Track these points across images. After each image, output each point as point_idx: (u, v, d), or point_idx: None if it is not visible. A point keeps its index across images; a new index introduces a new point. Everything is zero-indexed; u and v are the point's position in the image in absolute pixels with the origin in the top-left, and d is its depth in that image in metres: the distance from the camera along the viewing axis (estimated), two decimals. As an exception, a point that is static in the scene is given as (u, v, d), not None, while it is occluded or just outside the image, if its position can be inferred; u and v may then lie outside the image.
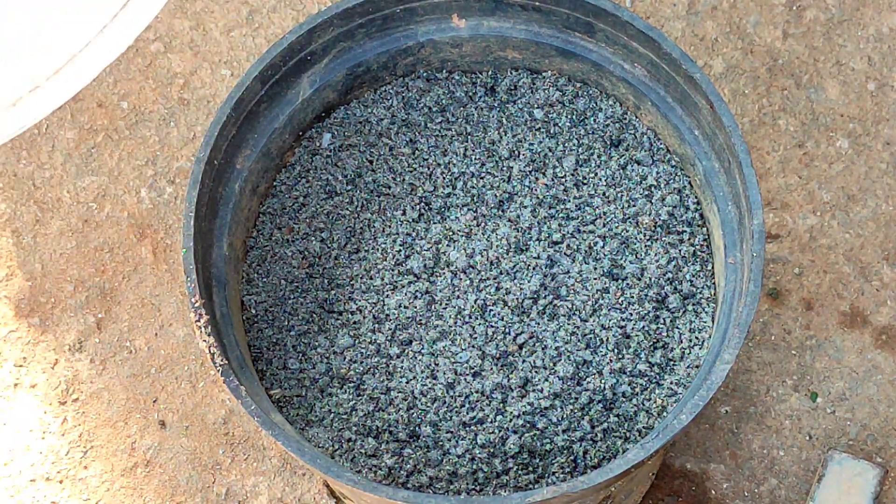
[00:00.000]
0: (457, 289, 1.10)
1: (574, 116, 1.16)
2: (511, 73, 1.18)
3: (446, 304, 1.09)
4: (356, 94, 1.18)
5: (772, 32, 1.50)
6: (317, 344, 1.09)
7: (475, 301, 1.09)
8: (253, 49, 1.54)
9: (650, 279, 1.09)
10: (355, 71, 1.16)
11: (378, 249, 1.12)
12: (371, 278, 1.11)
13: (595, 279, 1.09)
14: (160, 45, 1.55)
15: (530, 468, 1.04)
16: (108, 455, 1.36)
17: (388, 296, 1.10)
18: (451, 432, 1.05)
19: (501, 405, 1.05)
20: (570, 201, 1.13)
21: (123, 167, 1.49)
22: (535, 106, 1.17)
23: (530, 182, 1.14)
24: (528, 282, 1.09)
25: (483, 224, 1.12)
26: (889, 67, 1.47)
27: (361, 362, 1.08)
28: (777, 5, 1.51)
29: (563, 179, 1.14)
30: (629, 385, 1.05)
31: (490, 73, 1.19)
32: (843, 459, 1.26)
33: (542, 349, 1.07)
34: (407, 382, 1.07)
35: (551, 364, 1.06)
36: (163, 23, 1.56)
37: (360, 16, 1.12)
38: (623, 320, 1.08)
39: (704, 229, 1.11)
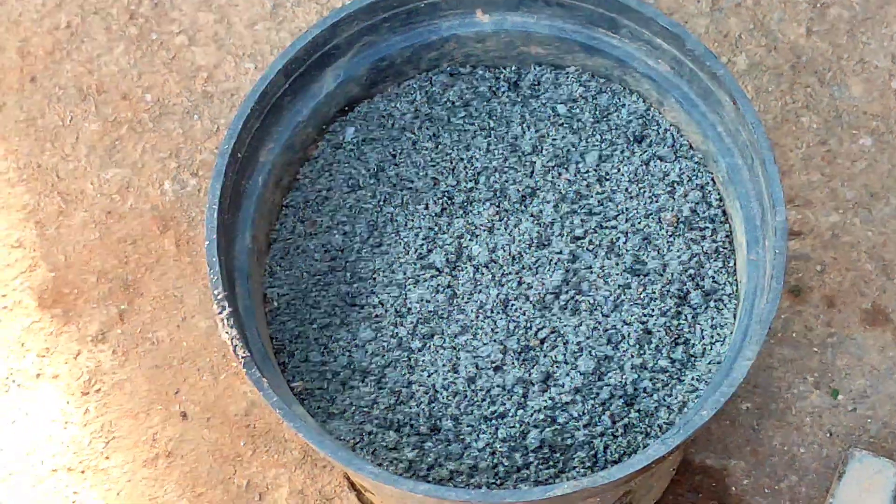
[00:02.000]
0: (479, 283, 1.10)
1: (597, 112, 1.16)
2: (534, 68, 1.19)
3: (468, 299, 1.09)
4: (380, 89, 1.19)
5: (795, 30, 1.49)
6: (339, 337, 1.09)
7: (497, 296, 1.09)
8: (277, 43, 1.54)
9: (672, 275, 1.09)
10: (379, 65, 1.16)
11: (400, 243, 1.13)
12: (393, 272, 1.11)
13: (617, 275, 1.09)
14: (184, 38, 1.55)
15: (551, 462, 1.04)
16: (129, 446, 1.36)
17: (409, 289, 1.10)
18: (472, 426, 1.05)
19: (522, 399, 1.06)
20: (592, 197, 1.13)
21: (147, 159, 1.49)
22: (559, 101, 1.17)
23: (553, 177, 1.14)
24: (550, 277, 1.09)
25: (505, 219, 1.12)
26: (913, 65, 1.46)
27: (383, 355, 1.08)
28: (801, 2, 1.51)
29: (586, 175, 1.14)
30: (650, 381, 1.05)
31: (513, 68, 1.19)
32: (864, 457, 1.26)
33: (564, 344, 1.07)
34: (428, 376, 1.07)
35: (573, 359, 1.06)
36: (187, 16, 1.56)
37: (384, 10, 1.12)
38: (644, 316, 1.08)
39: (727, 226, 1.11)
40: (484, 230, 1.12)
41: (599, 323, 1.08)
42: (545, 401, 1.05)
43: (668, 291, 1.08)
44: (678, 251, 1.10)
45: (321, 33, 1.10)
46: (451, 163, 1.15)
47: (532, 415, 1.05)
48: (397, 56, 1.16)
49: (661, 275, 1.09)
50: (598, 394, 1.05)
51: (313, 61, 1.11)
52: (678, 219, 1.11)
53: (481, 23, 1.15)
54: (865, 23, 1.49)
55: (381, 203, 1.14)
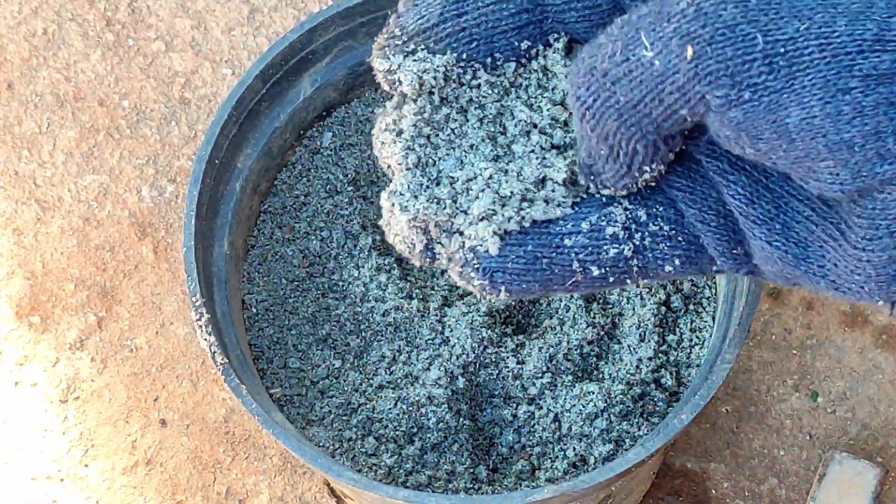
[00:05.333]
0: (458, 290, 1.10)
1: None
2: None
3: (448, 305, 1.09)
4: (357, 94, 1.19)
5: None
6: (317, 343, 1.09)
7: (476, 304, 1.09)
8: (254, 48, 1.54)
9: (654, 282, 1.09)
10: (356, 70, 1.16)
11: (377, 249, 1.12)
12: (370, 279, 1.11)
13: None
14: (161, 45, 1.55)
15: (530, 467, 1.04)
16: (108, 453, 1.36)
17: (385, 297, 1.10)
18: (451, 431, 1.05)
19: (502, 403, 1.05)
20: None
21: (124, 166, 1.49)
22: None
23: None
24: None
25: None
26: None
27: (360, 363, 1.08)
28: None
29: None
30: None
31: (491, 72, 1.19)
32: (844, 459, 1.26)
33: (539, 350, 1.07)
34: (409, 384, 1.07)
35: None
36: (164, 22, 1.56)
37: (361, 15, 1.12)
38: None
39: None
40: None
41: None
42: (524, 406, 1.05)
43: (652, 296, 1.08)
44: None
45: (298, 38, 1.10)
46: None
47: (511, 419, 1.05)
48: (375, 61, 1.16)
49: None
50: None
51: (291, 67, 1.11)
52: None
53: (458, 27, 1.15)
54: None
55: (359, 209, 1.14)
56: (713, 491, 1.31)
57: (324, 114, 1.18)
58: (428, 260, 0.60)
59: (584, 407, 1.04)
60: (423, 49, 0.58)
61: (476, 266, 0.58)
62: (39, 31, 1.57)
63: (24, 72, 1.55)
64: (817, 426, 1.33)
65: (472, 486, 1.03)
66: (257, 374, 1.06)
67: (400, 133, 0.60)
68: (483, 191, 0.58)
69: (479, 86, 0.59)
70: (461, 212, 0.58)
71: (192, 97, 1.52)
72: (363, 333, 1.09)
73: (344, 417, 1.06)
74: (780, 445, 1.32)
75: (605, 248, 0.57)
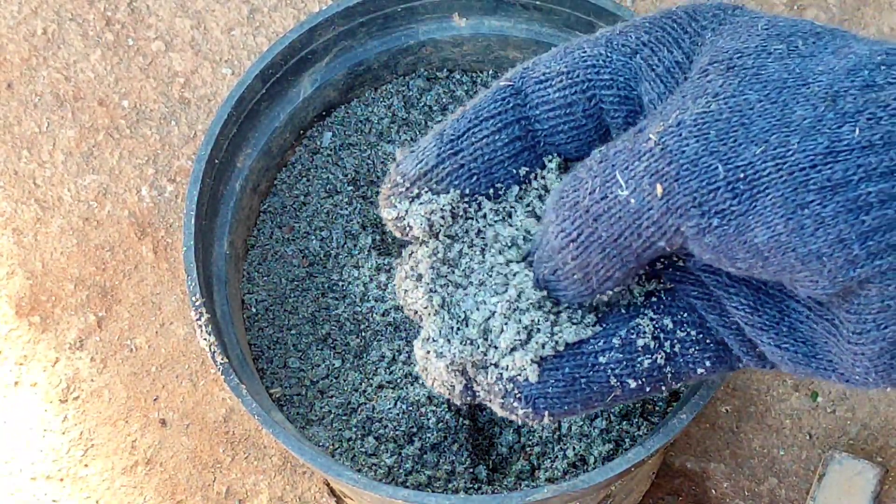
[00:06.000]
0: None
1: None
2: (512, 72, 1.18)
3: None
4: (357, 93, 1.19)
5: (773, 32, 1.50)
6: (317, 343, 1.09)
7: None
8: (254, 48, 1.54)
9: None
10: (356, 70, 1.16)
11: (376, 249, 1.12)
12: (370, 279, 1.11)
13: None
14: (161, 44, 1.55)
15: (530, 467, 1.04)
16: (108, 453, 1.36)
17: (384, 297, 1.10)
18: (451, 431, 1.05)
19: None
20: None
21: (124, 166, 1.49)
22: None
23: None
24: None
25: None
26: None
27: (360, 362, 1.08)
28: (778, 4, 1.51)
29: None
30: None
31: (490, 72, 1.19)
32: (844, 459, 1.26)
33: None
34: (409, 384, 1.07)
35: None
36: (164, 22, 1.56)
37: (360, 15, 1.12)
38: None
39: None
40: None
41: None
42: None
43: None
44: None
45: (298, 38, 1.10)
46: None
47: (511, 420, 1.05)
48: (374, 61, 1.16)
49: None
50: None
51: (290, 66, 1.11)
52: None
53: (458, 27, 1.15)
54: (842, 24, 1.50)
55: (359, 209, 1.14)
56: (713, 491, 1.31)
57: (323, 114, 1.18)
58: (469, 398, 0.62)
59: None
60: (426, 192, 0.60)
61: (518, 395, 0.60)
62: (39, 30, 1.57)
63: (23, 71, 1.55)
64: (817, 426, 1.33)
65: (471, 485, 1.03)
66: (257, 374, 1.06)
67: (419, 278, 0.62)
68: (506, 323, 0.59)
69: (485, 215, 0.60)
70: (493, 346, 0.60)
71: (191, 97, 1.52)
72: (363, 333, 1.09)
73: (344, 417, 1.06)
74: (780, 445, 1.32)
75: (640, 359, 0.59)
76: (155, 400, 1.38)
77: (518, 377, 0.59)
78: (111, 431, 1.37)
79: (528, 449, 1.04)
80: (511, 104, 0.58)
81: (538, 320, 0.59)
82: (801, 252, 0.47)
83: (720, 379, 0.93)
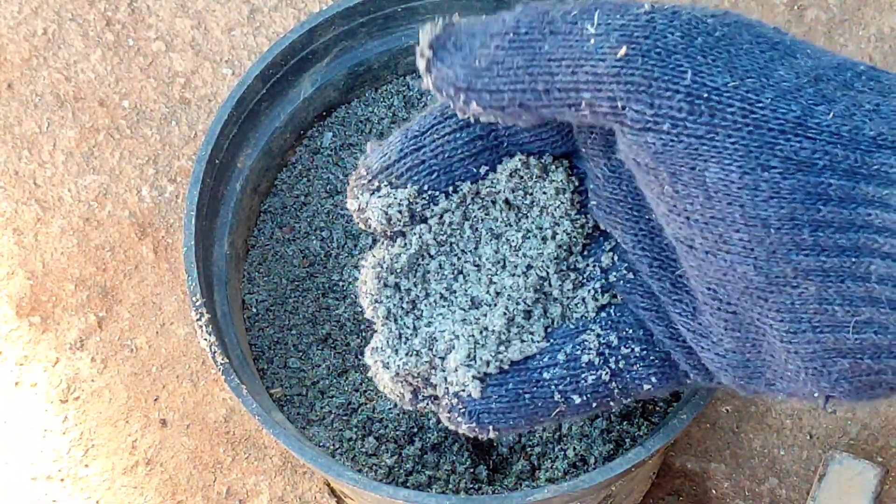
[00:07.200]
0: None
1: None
2: (512, 72, 1.18)
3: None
4: (357, 93, 1.19)
5: (773, 32, 1.50)
6: (317, 343, 1.09)
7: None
8: (254, 48, 1.54)
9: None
10: (356, 70, 1.16)
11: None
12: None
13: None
14: (161, 45, 1.55)
15: (530, 467, 1.04)
16: (108, 453, 1.36)
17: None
18: (451, 431, 1.05)
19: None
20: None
21: (125, 166, 1.49)
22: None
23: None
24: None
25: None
26: (890, 66, 1.47)
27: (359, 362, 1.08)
28: (778, 5, 1.51)
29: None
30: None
31: (491, 72, 1.19)
32: (844, 459, 1.26)
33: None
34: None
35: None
36: (164, 22, 1.56)
37: (361, 15, 1.12)
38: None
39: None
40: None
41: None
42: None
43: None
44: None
45: (299, 38, 1.10)
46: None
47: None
48: (375, 61, 1.16)
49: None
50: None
51: (291, 66, 1.11)
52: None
53: (459, 27, 1.15)
54: (843, 24, 1.50)
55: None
56: (713, 491, 1.31)
57: (324, 114, 1.18)
58: (420, 405, 0.62)
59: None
60: (386, 185, 0.60)
61: (461, 410, 0.60)
62: (39, 31, 1.57)
63: (24, 72, 1.55)
64: (817, 426, 1.33)
65: (472, 485, 1.03)
66: (257, 374, 1.06)
67: (366, 288, 0.63)
68: (456, 340, 0.60)
69: (440, 221, 0.61)
70: (440, 358, 0.60)
71: (192, 97, 1.52)
72: (364, 333, 1.09)
73: (344, 417, 1.06)
74: (781, 445, 1.32)
75: (584, 375, 0.59)
76: (155, 400, 1.38)
77: (461, 392, 0.59)
78: (111, 432, 1.37)
79: (528, 449, 1.04)
80: None
81: (486, 335, 0.59)
82: (749, 212, 0.46)
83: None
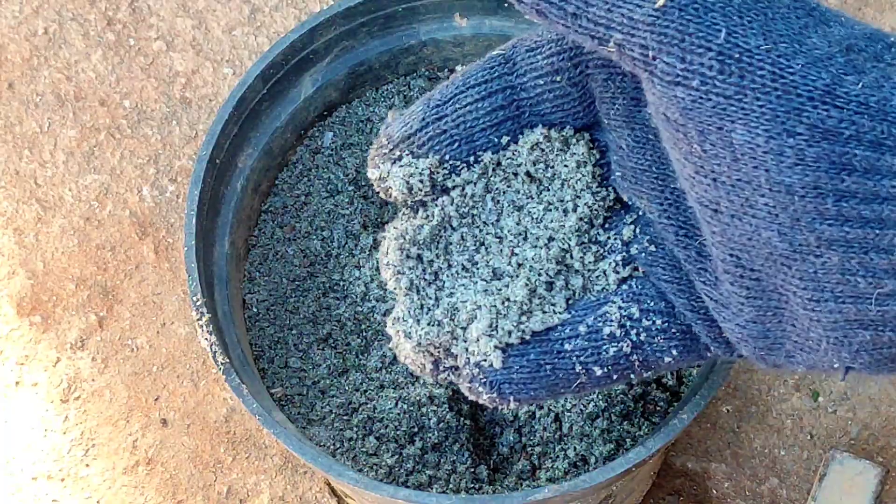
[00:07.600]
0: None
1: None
2: (513, 72, 1.18)
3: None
4: (358, 93, 1.19)
5: (774, 32, 1.50)
6: (318, 343, 1.09)
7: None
8: (255, 48, 1.54)
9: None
10: (357, 70, 1.16)
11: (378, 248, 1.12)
12: (370, 279, 1.11)
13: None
14: (162, 44, 1.55)
15: (531, 466, 1.04)
16: (109, 453, 1.36)
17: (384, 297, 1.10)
18: (452, 431, 1.05)
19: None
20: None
21: (125, 166, 1.49)
22: (537, 105, 1.17)
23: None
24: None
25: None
26: (891, 67, 1.47)
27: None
28: (779, 5, 1.51)
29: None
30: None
31: (492, 72, 1.19)
32: (845, 459, 1.26)
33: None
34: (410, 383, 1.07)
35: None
36: (165, 21, 1.56)
37: (362, 15, 1.12)
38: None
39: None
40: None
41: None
42: (526, 409, 1.05)
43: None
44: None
45: (299, 38, 1.10)
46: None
47: (512, 419, 1.05)
48: (375, 61, 1.16)
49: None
50: (577, 397, 1.05)
51: (291, 66, 1.11)
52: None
53: (459, 27, 1.15)
54: (843, 25, 1.50)
55: (360, 208, 1.14)
56: (714, 491, 1.31)
57: (325, 113, 1.18)
58: (441, 376, 0.62)
59: (584, 406, 1.04)
60: (408, 154, 0.60)
61: (483, 380, 0.60)
62: (40, 30, 1.57)
63: (24, 71, 1.55)
64: (818, 426, 1.33)
65: (472, 485, 1.03)
66: (258, 374, 1.06)
67: (387, 259, 0.63)
68: (478, 311, 0.60)
69: (462, 193, 0.61)
70: (461, 328, 0.61)
71: (192, 97, 1.52)
72: (364, 333, 1.09)
73: (345, 417, 1.06)
74: (781, 445, 1.32)
75: (605, 347, 0.59)
76: (156, 400, 1.38)
77: (483, 362, 0.59)
78: (112, 431, 1.37)
79: (528, 449, 1.04)
80: (498, 72, 0.58)
81: (507, 306, 0.60)
82: (774, 177, 0.46)
83: (720, 379, 0.93)
